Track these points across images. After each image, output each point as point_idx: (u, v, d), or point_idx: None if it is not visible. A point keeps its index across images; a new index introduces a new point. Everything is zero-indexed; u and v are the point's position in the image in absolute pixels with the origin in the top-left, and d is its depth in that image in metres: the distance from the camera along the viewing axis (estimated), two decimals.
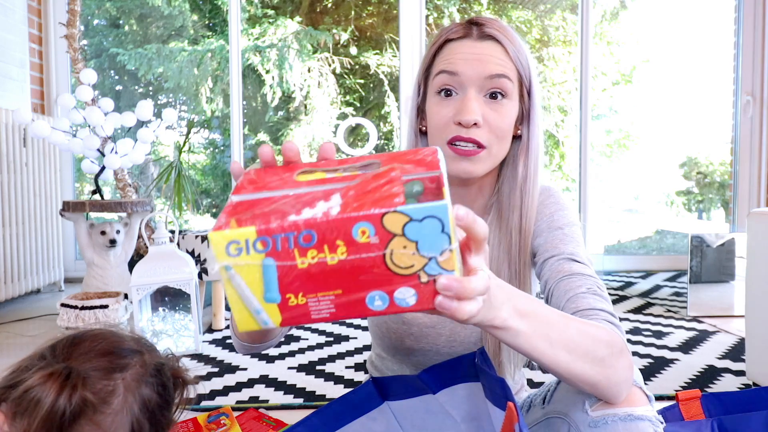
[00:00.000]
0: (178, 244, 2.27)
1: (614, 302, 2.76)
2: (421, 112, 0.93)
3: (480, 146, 0.83)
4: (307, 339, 2.16)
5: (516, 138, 0.91)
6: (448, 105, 0.85)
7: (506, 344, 0.61)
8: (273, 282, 0.45)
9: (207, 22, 4.75)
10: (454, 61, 0.84)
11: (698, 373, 1.74)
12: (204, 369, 1.83)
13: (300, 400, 1.56)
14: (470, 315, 0.48)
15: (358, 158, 0.52)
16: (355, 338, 2.17)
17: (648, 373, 1.74)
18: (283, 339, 2.18)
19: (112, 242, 2.24)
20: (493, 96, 0.84)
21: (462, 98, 0.84)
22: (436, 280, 0.45)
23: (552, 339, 0.60)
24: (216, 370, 1.82)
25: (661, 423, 0.70)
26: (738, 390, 1.46)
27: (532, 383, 1.63)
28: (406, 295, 0.46)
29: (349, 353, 1.99)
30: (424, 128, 0.93)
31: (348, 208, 0.44)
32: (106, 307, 1.92)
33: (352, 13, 4.64)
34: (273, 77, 4.60)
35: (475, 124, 0.82)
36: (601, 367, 0.65)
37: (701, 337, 2.13)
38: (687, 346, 2.01)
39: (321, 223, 0.43)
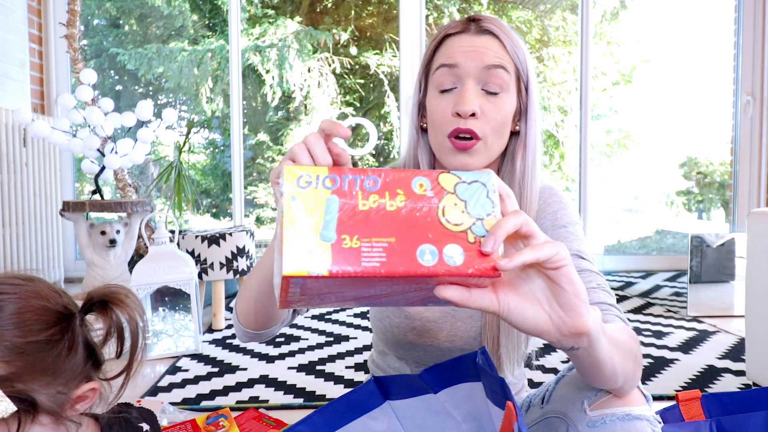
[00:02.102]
0: (178, 244, 2.27)
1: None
2: (422, 108, 0.94)
3: (476, 137, 0.84)
4: (307, 339, 2.16)
5: (514, 134, 0.91)
6: (447, 98, 0.86)
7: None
8: (332, 217, 0.48)
9: (207, 22, 4.75)
10: (453, 54, 0.86)
11: (698, 373, 1.74)
12: (204, 369, 1.83)
13: (300, 400, 1.56)
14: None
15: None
16: (355, 338, 2.17)
17: (648, 373, 1.74)
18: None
19: (112, 242, 2.24)
20: (491, 91, 0.85)
21: (460, 90, 0.85)
22: (481, 241, 0.50)
23: (610, 337, 0.62)
24: (216, 370, 1.82)
25: (659, 422, 0.71)
26: (738, 390, 1.46)
27: (532, 383, 1.63)
28: (455, 254, 0.49)
29: (349, 353, 1.99)
30: (424, 125, 0.93)
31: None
32: None
33: (352, 13, 4.64)
34: (273, 77, 4.60)
35: (472, 114, 0.83)
36: (637, 363, 0.68)
37: (701, 337, 2.13)
38: (687, 346, 2.01)
39: (386, 172, 0.50)
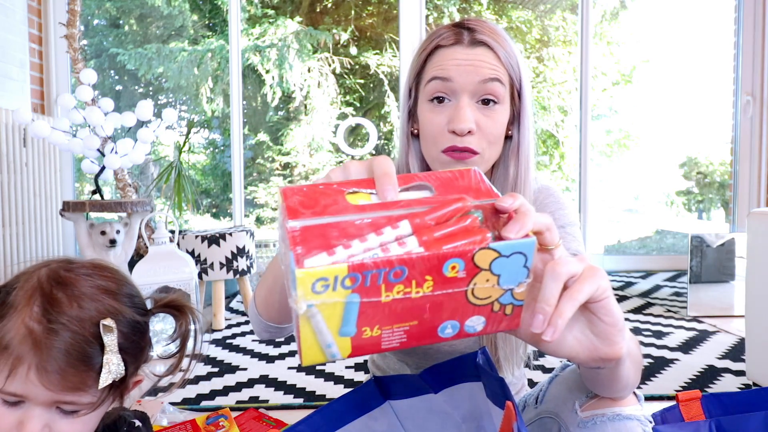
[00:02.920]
0: (178, 244, 2.27)
1: None
2: (412, 115, 0.93)
3: (474, 153, 0.83)
4: None
5: (507, 138, 0.90)
6: (441, 112, 0.84)
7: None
8: (352, 317, 0.44)
9: (207, 22, 4.75)
10: (447, 66, 0.83)
11: (698, 373, 1.74)
12: (204, 369, 1.83)
13: (300, 400, 1.56)
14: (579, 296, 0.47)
15: (402, 178, 0.51)
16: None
17: (648, 373, 1.74)
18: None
19: (112, 242, 2.23)
20: (485, 102, 0.84)
21: (455, 105, 0.83)
22: (505, 308, 0.47)
23: (630, 351, 0.61)
24: (216, 370, 1.82)
25: (650, 422, 0.71)
26: (738, 390, 1.46)
27: (532, 384, 1.63)
28: (476, 323, 0.47)
29: None
30: (415, 131, 0.92)
31: (431, 242, 0.43)
32: None
33: (352, 13, 4.65)
34: (273, 77, 4.60)
35: (469, 132, 0.82)
36: (639, 370, 0.67)
37: (701, 337, 2.13)
38: (687, 346, 2.01)
39: (415, 260, 0.43)
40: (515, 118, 0.89)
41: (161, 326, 0.78)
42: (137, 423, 0.76)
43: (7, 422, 0.60)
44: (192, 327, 0.74)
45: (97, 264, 0.68)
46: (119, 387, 0.66)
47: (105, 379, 0.60)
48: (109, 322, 0.62)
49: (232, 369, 1.83)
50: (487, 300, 0.46)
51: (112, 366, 0.61)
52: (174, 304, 0.73)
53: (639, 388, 1.62)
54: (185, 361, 0.75)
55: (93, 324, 0.61)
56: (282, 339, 2.16)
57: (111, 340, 0.61)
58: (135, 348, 0.67)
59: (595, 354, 0.52)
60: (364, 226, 0.45)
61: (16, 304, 0.61)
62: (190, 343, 0.75)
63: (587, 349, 0.52)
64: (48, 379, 0.59)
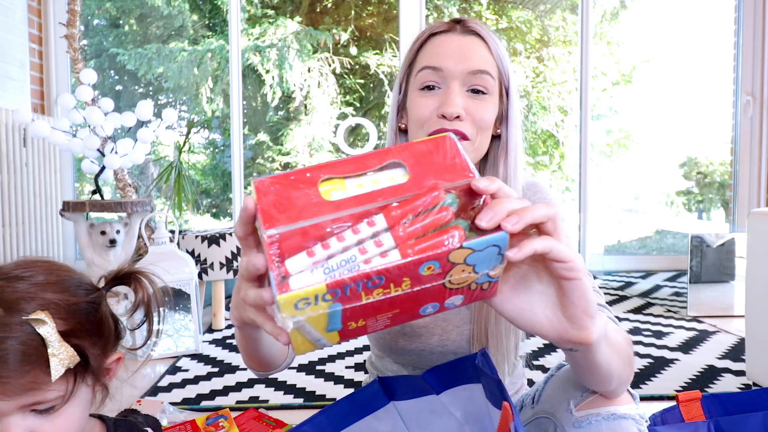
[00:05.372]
0: (178, 244, 2.27)
1: (614, 302, 2.76)
2: (401, 110, 0.93)
3: (464, 137, 0.83)
4: None
5: (495, 138, 0.91)
6: (431, 98, 0.85)
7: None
8: (337, 319, 0.47)
9: (207, 22, 4.75)
10: (438, 55, 0.85)
11: (698, 374, 1.74)
12: (204, 369, 1.83)
13: (300, 400, 1.56)
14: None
15: (377, 154, 0.51)
16: (355, 338, 2.17)
17: (648, 373, 1.74)
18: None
19: (112, 242, 2.23)
20: (475, 91, 0.85)
21: (445, 91, 0.84)
22: (481, 285, 0.50)
23: (611, 342, 0.61)
24: (216, 370, 1.82)
25: (646, 421, 0.71)
26: (739, 391, 1.46)
27: (531, 384, 1.63)
28: (455, 300, 0.50)
29: (349, 353, 1.99)
30: (403, 126, 0.92)
31: (406, 243, 0.44)
32: None
33: (352, 13, 4.64)
34: (273, 77, 4.60)
35: (458, 117, 0.83)
36: (631, 367, 0.68)
37: (701, 337, 2.13)
38: (687, 346, 2.01)
39: (392, 269, 0.44)
40: (503, 118, 0.89)
41: (161, 326, 0.78)
42: (149, 430, 0.76)
43: None
44: (150, 290, 0.74)
45: (21, 262, 0.68)
46: (88, 372, 0.65)
47: (57, 371, 0.60)
48: (38, 315, 0.60)
49: (232, 369, 1.83)
50: (463, 284, 0.48)
51: (61, 355, 0.60)
52: (122, 275, 0.73)
53: (638, 388, 1.63)
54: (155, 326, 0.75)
55: (27, 322, 0.60)
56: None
57: (48, 332, 0.60)
58: (88, 329, 0.66)
59: (565, 336, 0.54)
60: (340, 224, 0.46)
61: None
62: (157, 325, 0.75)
63: (556, 330, 0.54)
64: (2, 388, 0.59)
